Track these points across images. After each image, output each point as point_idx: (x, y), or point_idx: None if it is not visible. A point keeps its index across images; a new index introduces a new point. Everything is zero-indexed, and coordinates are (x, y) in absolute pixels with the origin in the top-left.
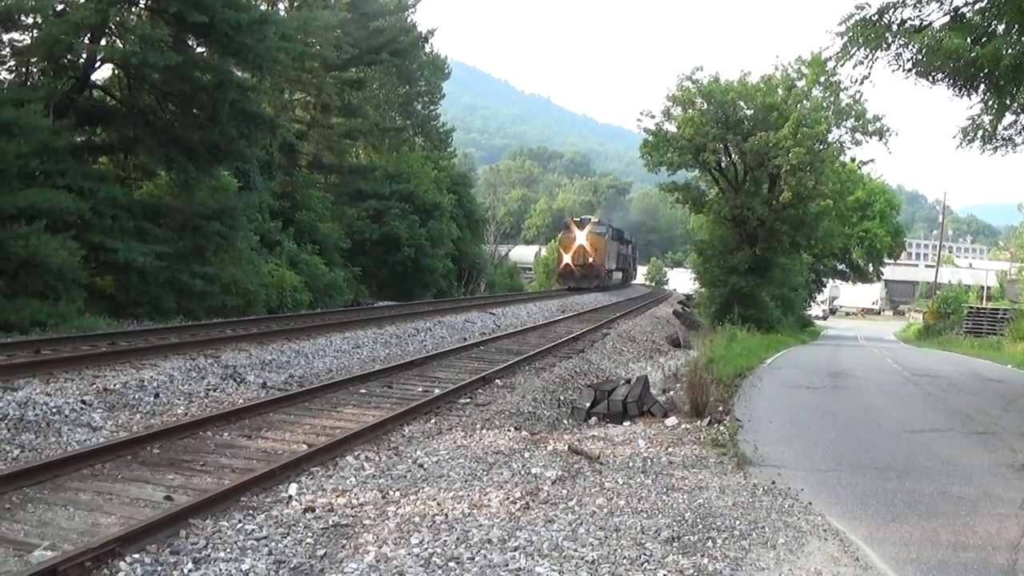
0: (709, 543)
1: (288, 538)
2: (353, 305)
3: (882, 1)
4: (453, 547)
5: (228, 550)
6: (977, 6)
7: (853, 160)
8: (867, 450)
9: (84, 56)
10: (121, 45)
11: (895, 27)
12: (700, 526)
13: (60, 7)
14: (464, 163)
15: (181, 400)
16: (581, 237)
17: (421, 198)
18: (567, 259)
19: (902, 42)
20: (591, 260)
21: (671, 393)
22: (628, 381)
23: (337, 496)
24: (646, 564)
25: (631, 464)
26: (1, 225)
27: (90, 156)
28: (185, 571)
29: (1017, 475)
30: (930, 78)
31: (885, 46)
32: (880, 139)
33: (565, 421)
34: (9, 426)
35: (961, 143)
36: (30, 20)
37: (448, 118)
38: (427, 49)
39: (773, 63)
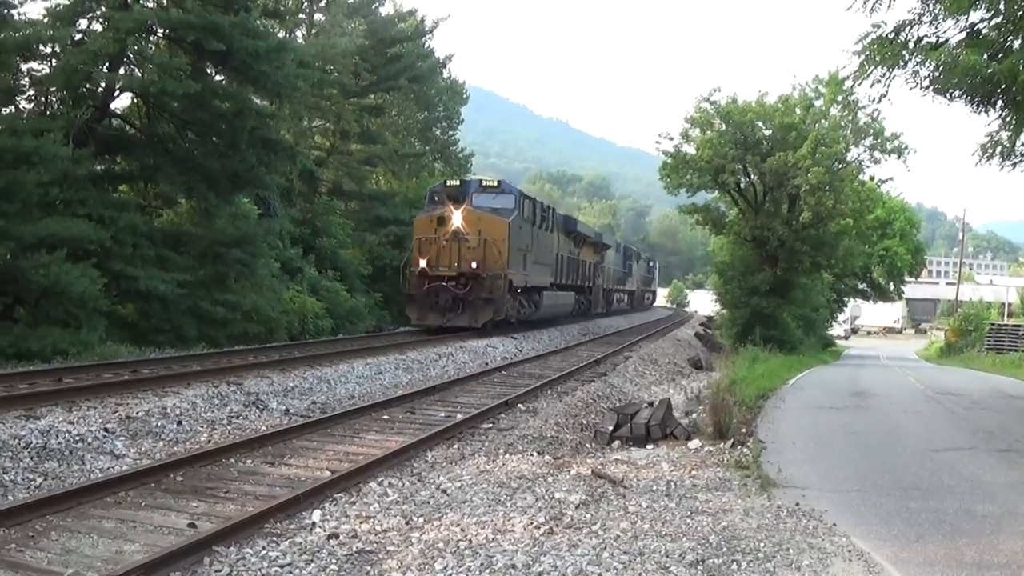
0: (734, 566)
1: (312, 565)
2: (375, 331)
3: (898, 19)
4: (477, 573)
5: None
6: (993, 22)
7: (872, 179)
8: (890, 470)
9: (103, 85)
10: (140, 74)
11: (912, 45)
12: (725, 549)
13: (79, 36)
14: None
15: (204, 427)
16: (458, 218)
17: None
18: (424, 263)
19: (919, 59)
20: (474, 264)
21: (694, 415)
22: (651, 404)
23: (361, 522)
24: None
25: (655, 487)
26: (22, 254)
27: (110, 184)
28: None
29: None
30: (947, 95)
31: (902, 64)
32: (899, 157)
33: (588, 445)
34: (32, 454)
35: (980, 160)
36: (49, 49)
37: (467, 143)
38: (445, 75)
39: (791, 83)
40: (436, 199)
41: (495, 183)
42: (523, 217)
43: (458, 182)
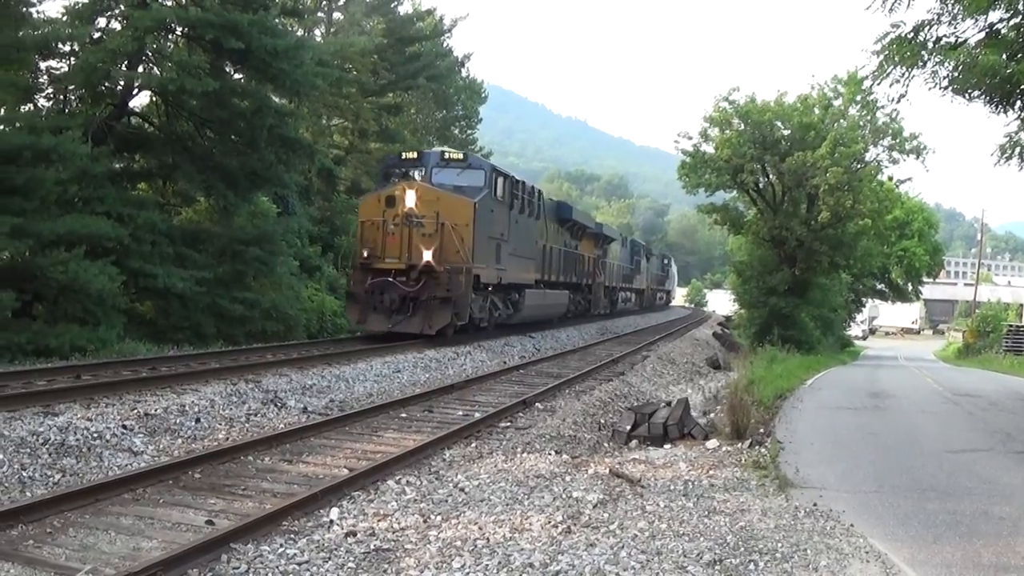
0: (751, 566)
1: (330, 563)
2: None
3: (917, 19)
4: (495, 571)
5: (270, 575)
6: (1012, 22)
7: (891, 179)
8: (908, 471)
9: (122, 83)
10: (158, 72)
11: (931, 45)
12: (742, 549)
13: (97, 35)
14: None
15: (222, 425)
16: (410, 197)
17: None
18: (366, 252)
19: (938, 59)
20: (428, 255)
21: (712, 415)
22: (668, 403)
23: (378, 520)
24: None
25: (672, 487)
26: (41, 251)
27: (129, 182)
28: None
29: None
30: (966, 95)
31: (921, 64)
32: (917, 157)
33: (606, 444)
34: (50, 451)
35: (999, 160)
36: (67, 48)
37: (485, 142)
38: (464, 73)
39: (809, 82)
40: (389, 175)
41: (460, 156)
42: (496, 198)
43: (415, 154)
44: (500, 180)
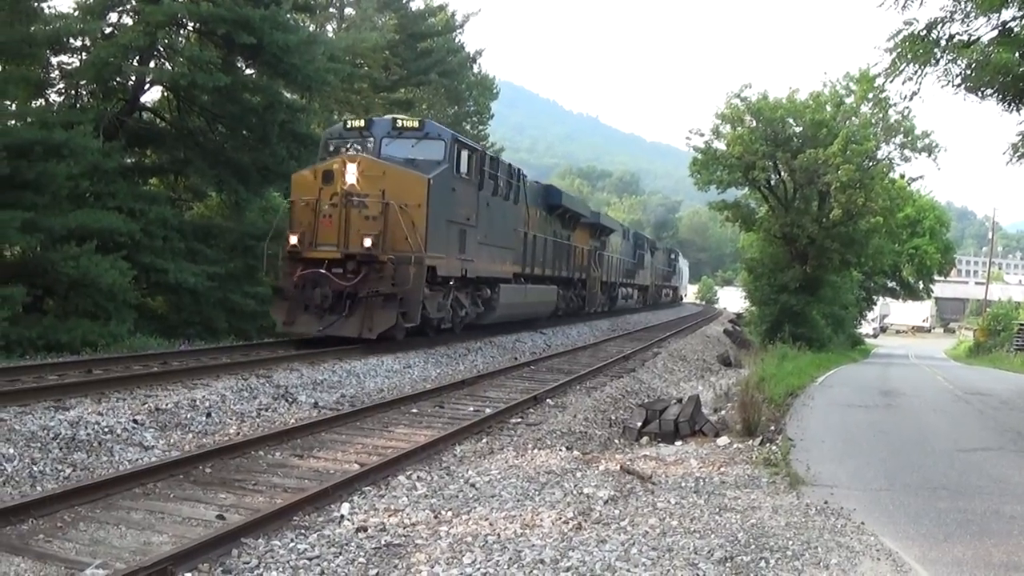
0: (762, 563)
1: (340, 558)
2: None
3: (930, 16)
4: (505, 567)
5: (280, 569)
6: None
7: (902, 177)
8: (919, 469)
9: (133, 78)
10: (170, 67)
11: (943, 42)
12: (753, 546)
13: (109, 30)
14: None
15: (233, 420)
16: (351, 172)
17: None
18: (295, 240)
19: (951, 57)
20: (369, 242)
21: (722, 412)
22: (679, 400)
23: (389, 516)
24: None
25: (683, 484)
26: (52, 246)
27: (140, 177)
28: None
29: None
30: (979, 93)
31: (934, 61)
32: (929, 155)
33: (616, 441)
34: (61, 445)
35: (1011, 159)
36: (79, 43)
37: (497, 138)
38: (475, 69)
39: (821, 80)
40: (332, 148)
41: (415, 123)
42: (459, 175)
43: (362, 122)
44: (465, 154)
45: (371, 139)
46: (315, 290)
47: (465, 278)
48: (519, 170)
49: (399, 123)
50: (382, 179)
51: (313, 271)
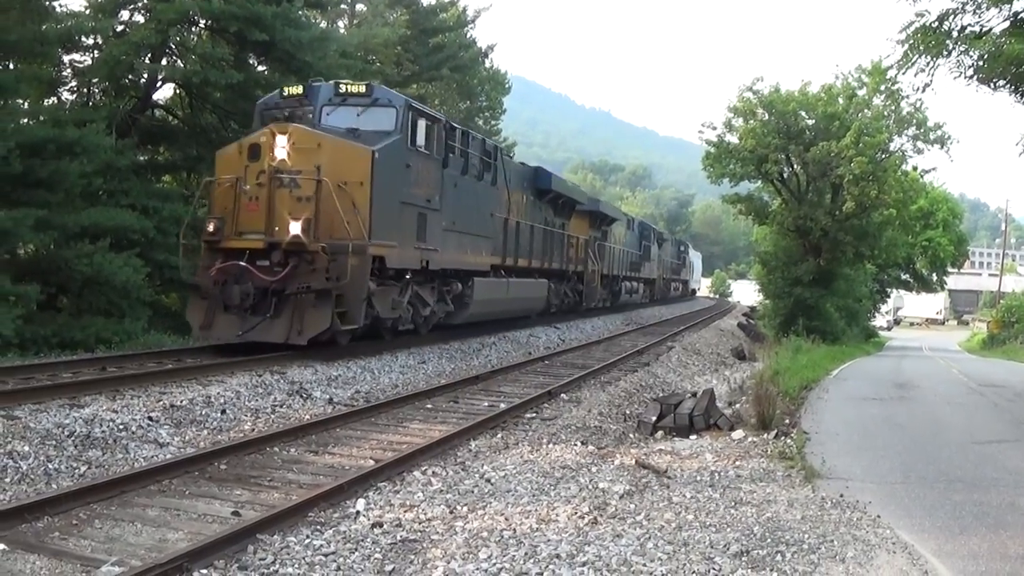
0: (778, 557)
1: (356, 554)
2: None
3: (942, 7)
4: (521, 562)
5: (296, 566)
6: None
7: (915, 169)
8: (934, 462)
9: (145, 76)
10: (182, 64)
11: (955, 34)
12: (769, 540)
13: (121, 28)
14: None
15: (248, 416)
16: (281, 145)
17: None
18: (213, 224)
19: (963, 49)
20: (297, 228)
21: (737, 406)
22: (694, 394)
23: (405, 511)
24: None
25: (699, 478)
26: (66, 244)
27: (153, 175)
28: None
29: None
30: (991, 84)
31: (946, 53)
32: (942, 147)
33: (631, 435)
34: (76, 443)
35: None
36: (91, 41)
37: (509, 133)
38: (487, 64)
39: (833, 72)
40: (267, 120)
41: (362, 88)
42: (415, 148)
43: (300, 88)
44: (423, 123)
45: (311, 108)
46: (236, 286)
47: (427, 271)
48: (497, 147)
49: (343, 88)
50: (317, 152)
51: (233, 264)
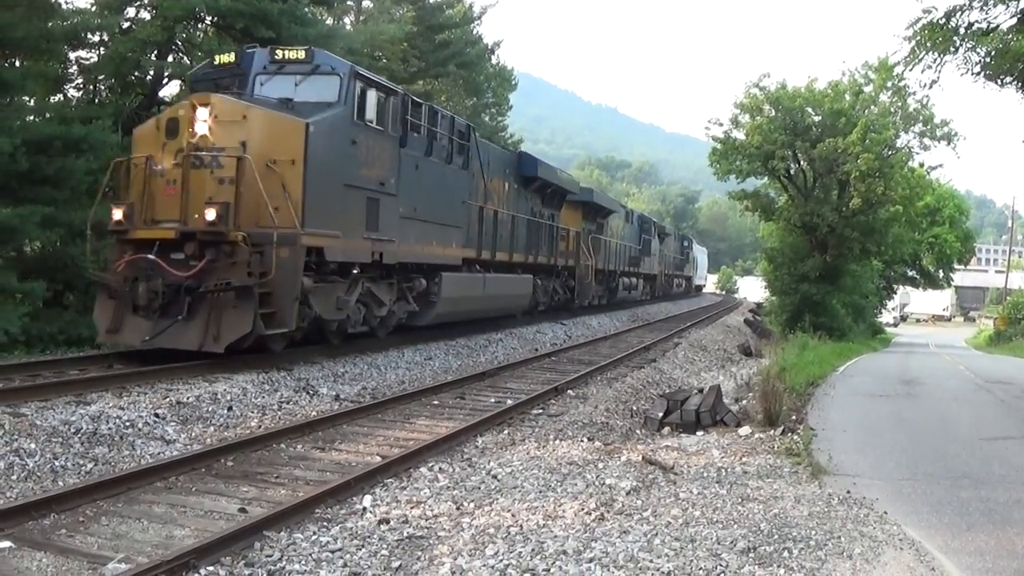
0: (785, 553)
1: (363, 550)
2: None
3: (949, 4)
4: (528, 558)
5: (303, 562)
6: None
7: (922, 165)
8: (941, 458)
9: (151, 73)
10: (188, 61)
11: (963, 30)
12: (776, 536)
13: (126, 25)
14: None
15: (254, 413)
16: (202, 119)
17: None
18: (122, 212)
19: (970, 45)
20: (213, 215)
21: (744, 402)
22: (700, 391)
23: (411, 507)
24: (722, 575)
25: (705, 474)
26: (72, 241)
27: None
28: None
29: None
30: (999, 81)
31: (953, 50)
32: (948, 144)
33: (638, 431)
34: (83, 440)
35: None
36: (97, 38)
37: (516, 129)
38: (494, 61)
39: (840, 68)
40: (192, 92)
41: (301, 54)
42: (362, 122)
43: (233, 56)
44: (373, 94)
45: (244, 77)
46: (147, 283)
47: (381, 264)
48: (471, 127)
49: (279, 54)
50: (243, 126)
51: (141, 257)
